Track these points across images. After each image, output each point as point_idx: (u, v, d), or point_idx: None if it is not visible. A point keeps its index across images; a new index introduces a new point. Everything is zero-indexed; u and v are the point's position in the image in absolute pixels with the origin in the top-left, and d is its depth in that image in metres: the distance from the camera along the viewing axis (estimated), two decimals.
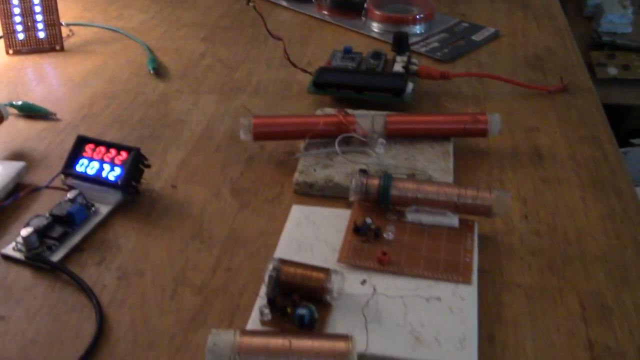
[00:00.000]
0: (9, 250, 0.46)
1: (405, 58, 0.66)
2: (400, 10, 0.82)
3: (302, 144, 0.56)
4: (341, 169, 0.53)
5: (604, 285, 0.44)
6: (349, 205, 0.50)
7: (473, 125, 0.56)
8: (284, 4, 0.87)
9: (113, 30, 0.81)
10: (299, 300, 0.40)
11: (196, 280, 0.45)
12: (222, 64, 0.73)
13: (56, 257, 0.46)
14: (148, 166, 0.52)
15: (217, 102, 0.65)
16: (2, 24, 0.74)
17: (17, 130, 0.61)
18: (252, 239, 0.48)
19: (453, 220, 0.46)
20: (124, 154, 0.51)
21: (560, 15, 0.84)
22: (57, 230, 0.47)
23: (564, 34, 0.79)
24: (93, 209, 0.49)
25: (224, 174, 0.55)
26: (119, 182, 0.50)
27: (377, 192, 0.47)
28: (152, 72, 0.70)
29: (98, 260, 0.46)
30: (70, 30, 0.80)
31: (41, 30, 0.75)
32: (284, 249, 0.45)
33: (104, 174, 0.50)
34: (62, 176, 0.52)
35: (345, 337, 0.36)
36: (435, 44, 0.75)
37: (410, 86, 0.62)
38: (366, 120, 0.56)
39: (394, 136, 0.56)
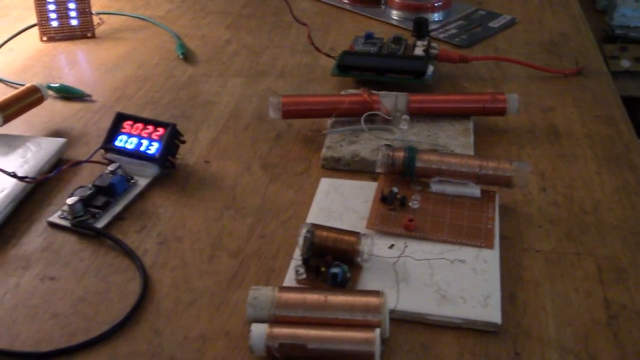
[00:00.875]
0: (55, 218, 0.49)
1: (425, 43, 0.68)
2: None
3: (328, 122, 0.58)
4: (367, 144, 0.55)
5: (620, 250, 0.46)
6: (374, 178, 0.52)
7: (492, 105, 0.58)
8: None
9: (141, 18, 0.83)
10: (332, 261, 0.42)
11: (232, 245, 0.47)
12: (248, 50, 0.75)
13: (100, 224, 0.48)
14: (183, 142, 0.55)
15: (244, 84, 0.68)
16: (37, 12, 0.77)
17: (55, 110, 0.64)
18: (283, 208, 0.51)
19: (475, 190, 0.49)
20: (160, 130, 0.54)
21: (575, 3, 0.86)
22: (100, 200, 0.50)
23: (578, 21, 0.81)
24: (132, 181, 0.52)
25: (253, 150, 0.58)
26: (157, 155, 0.53)
27: (403, 164, 0.49)
28: (180, 57, 0.73)
29: (139, 227, 0.49)
30: (100, 19, 0.83)
31: (73, 18, 0.78)
32: (315, 217, 0.48)
33: (142, 149, 0.53)
34: (102, 151, 0.55)
35: (377, 293, 0.39)
36: (454, 31, 0.78)
37: (430, 69, 0.65)
38: (390, 99, 0.58)
39: (416, 114, 0.58)
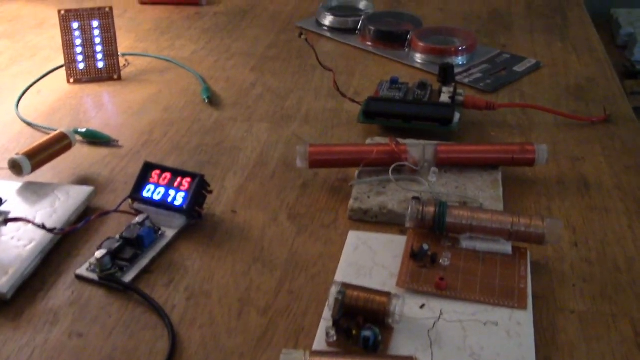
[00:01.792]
0: (83, 271, 0.49)
1: (451, 89, 0.68)
2: (443, 42, 0.84)
3: (355, 171, 0.58)
4: (394, 196, 0.55)
5: None
6: (402, 231, 0.52)
7: (521, 155, 0.57)
8: (328, 35, 0.90)
9: (166, 60, 0.84)
10: (363, 322, 0.42)
11: (261, 301, 0.47)
12: (272, 93, 0.76)
13: (128, 278, 0.48)
14: (210, 192, 0.55)
15: (270, 129, 0.68)
16: (64, 54, 0.78)
17: (82, 156, 0.64)
18: (312, 262, 0.50)
19: (507, 247, 0.48)
20: (188, 180, 0.54)
21: (600, 46, 0.86)
22: (128, 252, 0.50)
23: (604, 64, 0.81)
24: (160, 232, 0.52)
25: (280, 199, 0.57)
26: (184, 207, 0.53)
27: (433, 219, 0.49)
28: (206, 101, 0.73)
29: (167, 281, 0.49)
30: (126, 60, 0.84)
31: (100, 60, 0.79)
32: (344, 273, 0.48)
33: (169, 199, 0.53)
34: (130, 200, 0.55)
35: (410, 359, 0.38)
36: (478, 75, 0.78)
37: (457, 116, 0.65)
38: (417, 149, 0.58)
39: (444, 165, 0.58)
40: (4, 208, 0.54)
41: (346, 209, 0.55)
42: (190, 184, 0.54)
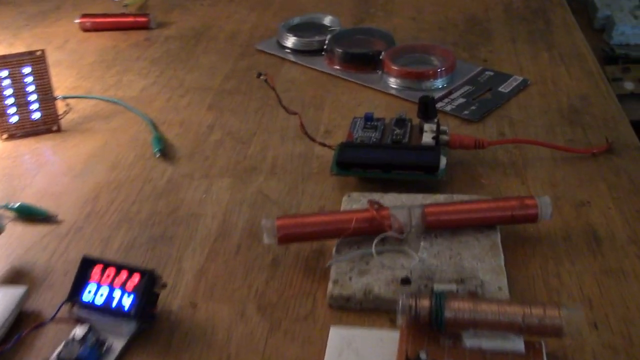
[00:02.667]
0: None
1: (433, 126, 0.60)
2: (419, 61, 0.76)
3: (332, 243, 0.50)
4: (380, 275, 0.47)
5: None
6: (393, 320, 0.44)
7: (521, 212, 0.50)
8: (292, 58, 0.81)
9: (113, 102, 0.75)
10: None
11: None
12: (233, 138, 0.67)
13: None
14: (164, 286, 0.47)
15: (232, 187, 0.60)
16: None
17: (16, 237, 0.55)
18: None
19: (518, 344, 0.40)
20: (136, 277, 0.45)
21: (589, 54, 0.78)
22: None
23: (596, 78, 0.73)
24: (106, 346, 0.44)
25: (247, 283, 0.49)
26: (132, 312, 0.44)
27: (429, 315, 0.41)
28: (157, 155, 0.64)
29: None
30: (67, 105, 0.75)
31: (36, 110, 0.70)
32: None
33: (114, 303, 0.45)
34: (69, 304, 0.47)
35: None
36: (461, 100, 0.70)
37: (443, 161, 0.57)
38: (402, 212, 0.50)
39: (433, 229, 0.50)
40: None
41: (325, 291, 0.47)
42: (139, 281, 0.45)
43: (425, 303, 0.41)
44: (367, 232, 0.50)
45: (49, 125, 0.70)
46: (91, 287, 0.46)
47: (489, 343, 0.41)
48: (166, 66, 0.83)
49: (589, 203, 0.55)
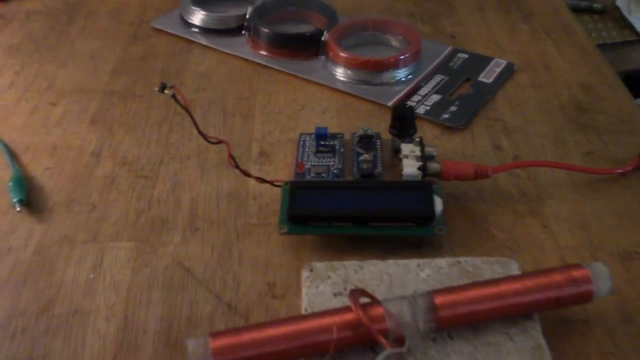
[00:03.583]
0: None
1: (415, 148, 0.43)
2: (373, 42, 0.58)
3: None
4: None
5: None
6: None
7: (570, 290, 0.34)
8: (202, 41, 0.61)
9: None
10: None
11: None
12: (130, 171, 0.47)
13: None
14: None
15: (134, 257, 0.41)
16: None
17: None
18: None
19: None
20: None
21: (576, 24, 0.63)
22: None
23: (593, 57, 0.58)
24: None
25: None
26: None
27: None
28: (18, 209, 0.44)
29: None
30: None
31: None
32: None
33: None
34: None
35: None
36: (435, 97, 0.53)
37: (439, 204, 0.40)
38: (403, 309, 0.33)
39: (448, 326, 0.34)
40: None
41: None
42: None
43: None
44: (352, 345, 0.33)
45: None
46: None
47: None
48: (29, 57, 0.60)
49: (636, 254, 0.40)
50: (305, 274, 0.38)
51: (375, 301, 0.34)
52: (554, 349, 0.34)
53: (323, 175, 0.44)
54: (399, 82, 0.54)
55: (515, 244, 0.41)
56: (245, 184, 0.46)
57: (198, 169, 0.47)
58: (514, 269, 0.37)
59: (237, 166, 0.43)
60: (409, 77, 0.55)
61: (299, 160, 0.45)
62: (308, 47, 0.58)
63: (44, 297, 0.38)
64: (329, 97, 0.54)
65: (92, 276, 0.39)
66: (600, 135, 0.49)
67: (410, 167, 0.42)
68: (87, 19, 0.66)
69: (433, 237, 0.40)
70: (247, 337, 0.32)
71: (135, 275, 0.40)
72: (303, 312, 0.36)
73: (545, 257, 0.40)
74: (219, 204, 0.44)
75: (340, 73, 0.55)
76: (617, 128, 0.50)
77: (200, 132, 0.41)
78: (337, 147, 0.46)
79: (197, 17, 0.62)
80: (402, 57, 0.54)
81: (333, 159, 0.45)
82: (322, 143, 0.46)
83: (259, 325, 0.33)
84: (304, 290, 0.37)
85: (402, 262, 0.38)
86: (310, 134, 0.47)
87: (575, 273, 0.35)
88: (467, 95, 0.53)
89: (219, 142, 0.42)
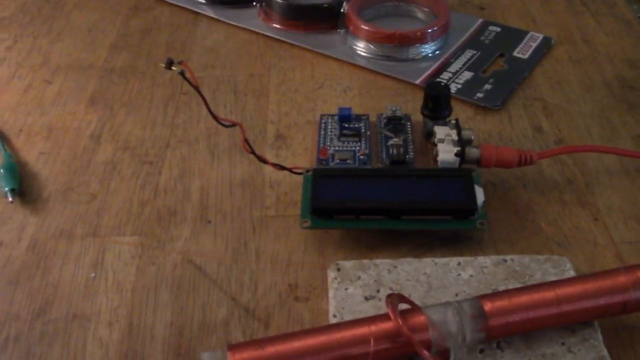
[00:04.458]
0: None
1: (452, 132, 0.39)
2: (396, 13, 0.54)
3: None
4: None
5: None
6: None
7: (638, 295, 0.30)
8: (210, 13, 0.56)
9: None
10: None
11: None
12: (134, 156, 0.43)
13: None
14: None
15: (139, 254, 0.37)
16: None
17: None
18: None
19: None
20: None
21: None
22: None
23: (636, 28, 0.53)
24: None
25: None
26: None
27: None
28: (10, 198, 0.40)
29: None
30: None
31: None
32: None
33: None
34: None
35: None
36: (467, 75, 0.48)
37: (480, 195, 0.36)
38: (444, 315, 0.29)
39: (498, 336, 0.30)
40: None
41: None
42: None
43: None
44: (388, 358, 0.29)
45: None
46: None
47: None
48: (21, 31, 0.55)
49: None
50: (332, 274, 0.33)
51: (415, 308, 0.29)
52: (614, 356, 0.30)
53: (348, 161, 0.39)
54: (426, 57, 0.50)
55: (564, 238, 0.37)
56: (260, 171, 0.41)
57: (208, 154, 0.43)
58: (568, 269, 0.33)
59: (252, 151, 0.38)
60: (437, 52, 0.50)
61: (321, 145, 0.40)
62: (326, 19, 0.53)
63: (40, 299, 0.34)
64: (349, 74, 0.49)
65: (92, 275, 0.35)
66: None
67: (446, 153, 0.38)
68: None
69: (473, 231, 0.36)
70: (270, 350, 0.28)
71: (140, 274, 0.35)
72: (331, 317, 0.32)
73: (599, 253, 0.36)
74: (232, 193, 0.40)
75: (361, 48, 0.51)
76: None
77: (212, 114, 0.37)
78: (363, 130, 0.41)
79: None
80: (430, 30, 0.49)
81: (359, 144, 0.40)
82: (346, 125, 0.42)
83: (284, 337, 0.28)
84: (331, 293, 0.33)
85: (440, 260, 0.34)
86: (332, 115, 0.43)
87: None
88: (501, 71, 0.49)
89: (233, 124, 0.37)
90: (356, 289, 0.33)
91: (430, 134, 0.40)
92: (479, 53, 0.50)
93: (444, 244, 0.36)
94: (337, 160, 0.39)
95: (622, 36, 0.53)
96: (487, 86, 0.47)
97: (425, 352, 0.28)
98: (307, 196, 0.36)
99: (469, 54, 0.50)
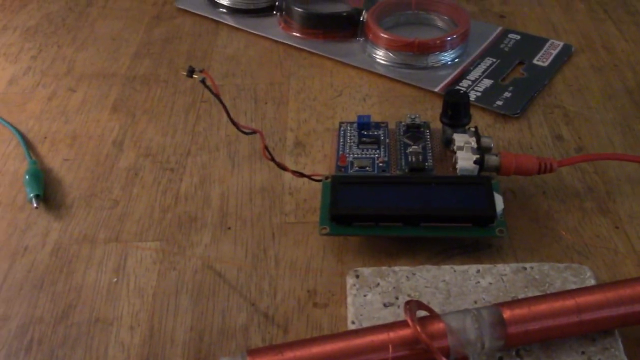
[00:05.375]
0: None
1: (471, 139, 0.39)
2: (416, 22, 0.54)
3: None
4: None
5: None
6: None
7: None
8: (230, 22, 0.57)
9: None
10: None
11: None
12: (155, 163, 0.44)
13: None
14: None
15: (160, 259, 0.37)
16: None
17: None
18: None
19: None
20: None
21: (637, 1, 0.58)
22: None
23: None
24: None
25: None
26: None
27: None
28: (35, 205, 0.40)
29: None
30: None
31: None
32: None
33: None
34: None
35: None
36: (486, 83, 0.48)
37: (499, 203, 0.36)
38: (463, 322, 0.29)
39: (517, 344, 0.30)
40: None
41: None
42: None
43: None
44: None
45: None
46: None
47: None
48: (46, 39, 0.57)
49: None
50: (350, 280, 0.34)
51: (434, 315, 0.29)
52: None
53: (367, 169, 0.39)
54: (445, 65, 0.50)
55: (584, 247, 0.36)
56: (280, 178, 0.42)
57: (228, 161, 0.43)
58: (588, 277, 0.33)
59: (272, 159, 0.39)
60: (456, 60, 0.50)
61: (341, 152, 0.41)
62: (345, 27, 0.53)
63: (63, 303, 0.35)
64: (368, 82, 0.50)
65: (114, 280, 0.36)
66: None
67: (465, 161, 0.38)
68: None
69: (492, 239, 0.36)
70: (289, 355, 0.28)
71: (161, 279, 0.36)
72: (349, 324, 0.32)
73: (620, 261, 0.36)
74: (252, 199, 0.40)
75: (380, 56, 0.51)
76: None
77: (232, 121, 0.37)
78: (382, 138, 0.41)
79: None
80: (449, 38, 0.50)
81: (378, 151, 0.41)
82: (365, 133, 0.42)
83: (303, 342, 0.29)
84: (349, 300, 0.33)
85: (459, 267, 0.34)
86: (351, 123, 0.43)
87: None
88: (521, 79, 0.49)
89: (253, 132, 0.38)
90: (375, 295, 0.33)
91: (449, 142, 0.40)
92: (498, 61, 0.50)
93: (463, 252, 0.36)
94: (356, 168, 0.40)
95: None
96: (507, 94, 0.47)
97: (445, 348, 0.28)
98: (326, 203, 0.37)
99: (488, 61, 0.50)
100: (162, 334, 0.33)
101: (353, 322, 0.32)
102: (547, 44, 0.52)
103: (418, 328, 0.28)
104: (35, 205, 0.40)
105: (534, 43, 0.52)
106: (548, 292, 0.32)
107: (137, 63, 0.53)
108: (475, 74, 0.49)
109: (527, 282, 0.33)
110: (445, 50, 0.50)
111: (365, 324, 0.31)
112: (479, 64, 0.50)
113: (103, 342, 0.33)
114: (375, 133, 0.42)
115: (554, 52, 0.51)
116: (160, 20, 0.58)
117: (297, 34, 0.54)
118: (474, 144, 0.38)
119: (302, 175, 0.39)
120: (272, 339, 0.33)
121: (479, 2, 0.58)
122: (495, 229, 0.35)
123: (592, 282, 0.33)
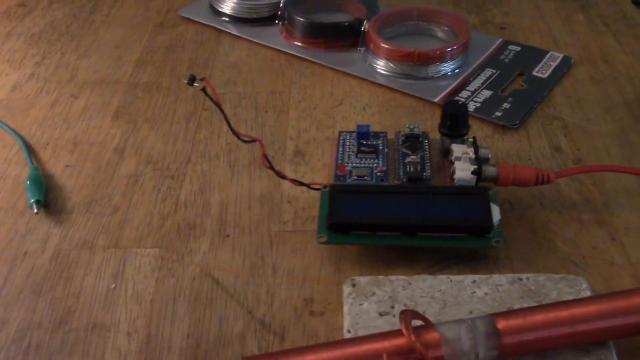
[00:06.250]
0: None
1: (469, 150, 0.39)
2: (417, 33, 0.54)
3: None
4: None
5: None
6: None
7: None
8: (233, 30, 0.57)
9: None
10: None
11: None
12: (156, 170, 0.44)
13: None
14: None
15: (159, 266, 0.37)
16: None
17: None
18: None
19: None
20: None
21: (637, 14, 0.58)
22: None
23: None
24: None
25: None
26: None
27: None
28: (35, 210, 0.41)
29: None
30: None
31: None
32: None
33: None
34: None
35: None
36: (486, 94, 0.48)
37: (496, 213, 0.36)
38: (458, 332, 0.29)
39: (511, 355, 0.30)
40: None
41: None
42: None
43: None
44: None
45: None
46: None
47: None
48: (50, 46, 0.57)
49: None
50: (347, 289, 0.34)
51: (429, 324, 0.30)
52: None
53: (366, 178, 0.40)
54: (445, 76, 0.50)
55: (581, 258, 0.37)
56: (279, 186, 0.42)
57: (228, 169, 0.44)
58: (584, 288, 0.33)
59: (271, 167, 0.39)
60: (457, 71, 0.51)
61: (339, 161, 0.41)
62: (346, 37, 0.54)
63: (61, 308, 0.35)
64: (369, 91, 0.50)
65: (113, 286, 0.36)
66: None
67: (463, 171, 0.38)
68: (111, 7, 0.62)
69: (489, 249, 0.36)
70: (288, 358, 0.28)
71: (159, 285, 0.36)
72: (345, 332, 0.32)
73: (616, 273, 0.36)
74: (250, 207, 0.41)
75: (381, 66, 0.51)
76: None
77: (232, 130, 0.37)
78: (381, 147, 0.42)
79: (228, 5, 0.58)
80: (449, 49, 0.50)
81: (376, 161, 0.41)
82: (364, 142, 0.42)
83: (299, 350, 0.29)
84: (345, 308, 0.33)
85: (455, 277, 0.34)
86: (350, 132, 0.43)
87: None
88: (520, 91, 0.49)
89: (253, 140, 0.38)
90: (371, 304, 0.33)
91: (447, 152, 0.40)
92: (498, 72, 0.51)
93: (460, 262, 0.36)
94: (355, 177, 0.40)
95: None
96: (506, 105, 0.47)
97: (440, 357, 0.28)
98: (324, 212, 0.37)
99: (488, 72, 0.51)
100: (159, 341, 0.34)
101: (349, 331, 0.32)
102: (547, 56, 0.52)
103: (413, 337, 0.28)
104: (35, 210, 0.40)
105: (534, 55, 0.52)
106: (544, 303, 0.33)
107: (139, 70, 0.54)
108: (475, 84, 0.49)
109: (522, 292, 0.33)
110: (446, 61, 0.50)
111: (361, 333, 0.32)
112: (479, 74, 0.50)
113: (100, 348, 0.33)
114: (374, 142, 0.42)
115: (554, 64, 0.51)
116: (163, 28, 0.59)
117: (299, 43, 0.55)
118: (472, 155, 0.39)
119: (300, 183, 0.40)
120: (268, 347, 0.33)
121: (480, 13, 0.59)
122: (492, 239, 0.35)
123: (588, 293, 0.33)
